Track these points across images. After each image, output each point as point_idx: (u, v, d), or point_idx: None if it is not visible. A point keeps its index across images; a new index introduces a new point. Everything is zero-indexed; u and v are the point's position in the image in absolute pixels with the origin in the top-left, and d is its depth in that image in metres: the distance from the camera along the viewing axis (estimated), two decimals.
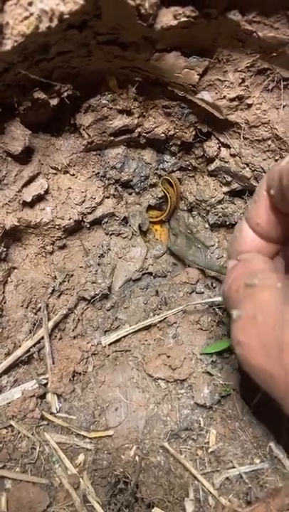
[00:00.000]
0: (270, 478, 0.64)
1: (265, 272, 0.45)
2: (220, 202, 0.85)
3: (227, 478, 0.66)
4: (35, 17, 0.46)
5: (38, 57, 0.55)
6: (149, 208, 0.92)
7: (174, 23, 0.52)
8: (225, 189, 0.84)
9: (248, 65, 0.61)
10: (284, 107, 0.66)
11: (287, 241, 0.53)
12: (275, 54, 0.58)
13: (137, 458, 0.69)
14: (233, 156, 0.77)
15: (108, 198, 0.81)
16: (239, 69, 0.62)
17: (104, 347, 0.78)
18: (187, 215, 0.95)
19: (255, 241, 0.51)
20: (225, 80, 0.64)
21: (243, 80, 0.63)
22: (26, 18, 0.46)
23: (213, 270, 0.83)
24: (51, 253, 0.80)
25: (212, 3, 0.52)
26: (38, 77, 0.56)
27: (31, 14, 0.45)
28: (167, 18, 0.52)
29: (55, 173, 0.76)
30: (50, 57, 0.56)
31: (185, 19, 0.52)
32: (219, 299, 0.78)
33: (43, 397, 0.74)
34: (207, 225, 0.92)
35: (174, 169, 0.87)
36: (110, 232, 0.85)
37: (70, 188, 0.76)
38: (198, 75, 0.62)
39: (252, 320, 0.38)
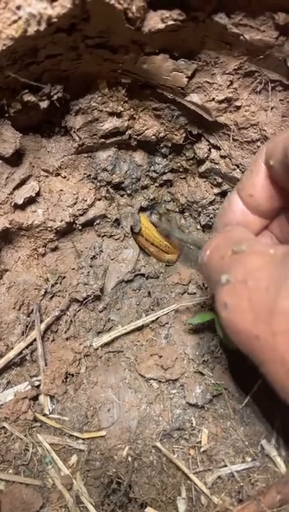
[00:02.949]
0: (261, 477, 0.64)
1: (251, 240, 0.45)
2: (211, 203, 0.86)
3: (219, 477, 0.66)
4: (23, 21, 0.46)
5: (28, 61, 0.56)
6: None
7: (162, 26, 0.53)
8: (216, 190, 0.85)
9: (236, 67, 0.62)
10: (272, 108, 0.66)
11: (276, 216, 0.52)
12: (262, 56, 0.59)
13: (129, 458, 0.69)
14: (223, 157, 0.78)
15: (100, 200, 0.82)
16: (227, 71, 0.63)
17: (96, 349, 0.79)
18: (179, 216, 0.95)
19: (243, 214, 0.51)
20: (213, 83, 0.64)
21: (232, 82, 0.64)
22: (15, 21, 0.46)
23: (200, 246, 0.84)
24: (43, 255, 0.81)
25: (199, 6, 0.52)
26: (27, 80, 0.56)
27: (20, 18, 0.46)
28: (155, 21, 0.52)
29: (47, 176, 0.76)
30: (39, 61, 0.57)
31: (172, 22, 0.52)
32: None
33: (35, 398, 0.74)
34: (199, 226, 0.92)
35: (166, 171, 0.88)
36: (102, 234, 0.85)
37: (61, 190, 0.76)
38: (186, 77, 0.63)
39: (242, 284, 0.38)
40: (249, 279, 0.37)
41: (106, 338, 0.79)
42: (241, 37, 0.56)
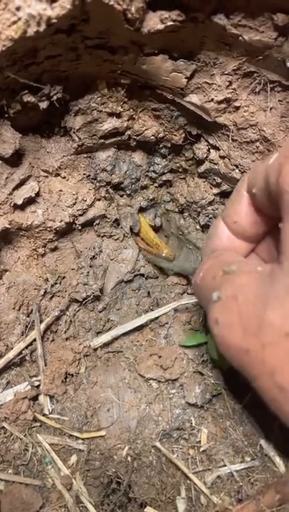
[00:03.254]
0: (260, 476, 0.64)
1: (241, 262, 0.47)
2: (210, 203, 0.86)
3: (218, 477, 0.66)
4: (23, 22, 0.46)
5: (27, 61, 0.56)
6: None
7: (161, 27, 0.53)
8: (215, 190, 0.85)
9: (235, 68, 0.62)
10: (271, 109, 0.67)
11: (261, 240, 0.54)
12: (261, 57, 0.59)
13: (129, 458, 0.69)
14: (222, 157, 0.78)
15: (99, 200, 0.82)
16: (226, 72, 0.63)
17: (96, 349, 0.79)
18: (178, 216, 0.95)
19: (230, 239, 0.53)
20: (212, 83, 0.65)
21: (231, 83, 0.64)
22: (14, 22, 0.46)
23: (189, 274, 0.85)
24: (43, 255, 0.81)
25: (198, 7, 0.52)
26: (27, 81, 0.57)
27: (19, 19, 0.46)
28: (154, 22, 0.52)
29: (46, 176, 0.76)
30: (39, 61, 0.57)
31: (172, 23, 0.53)
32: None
33: (35, 398, 0.74)
34: (198, 226, 0.92)
35: (165, 171, 0.88)
36: (102, 234, 0.85)
37: (61, 190, 0.76)
38: (185, 78, 0.63)
39: (232, 300, 0.39)
40: (238, 294, 0.39)
41: (104, 338, 0.79)
42: (240, 38, 0.56)
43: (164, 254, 0.91)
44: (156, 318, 0.80)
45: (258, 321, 0.36)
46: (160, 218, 0.95)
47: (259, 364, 0.36)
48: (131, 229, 0.88)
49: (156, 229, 0.96)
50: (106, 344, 0.80)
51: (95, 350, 0.79)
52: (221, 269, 0.44)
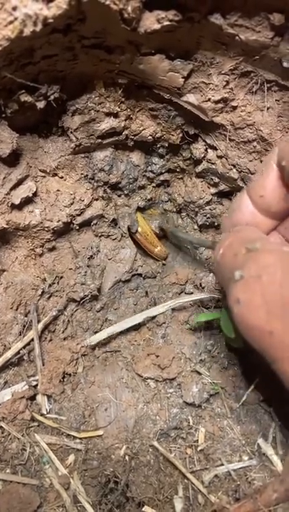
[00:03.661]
0: (258, 475, 0.65)
1: (264, 239, 0.45)
2: (208, 203, 0.86)
3: (216, 476, 0.66)
4: (19, 21, 0.46)
5: (24, 61, 0.56)
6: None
7: (158, 26, 0.53)
8: (213, 190, 0.85)
9: (232, 67, 0.62)
10: (268, 108, 0.67)
11: (285, 218, 0.52)
12: (257, 57, 0.59)
13: (126, 457, 0.69)
14: (219, 157, 0.78)
15: (97, 200, 0.82)
16: (223, 72, 0.63)
17: (94, 348, 0.79)
18: (176, 216, 0.96)
19: (253, 214, 0.51)
20: (209, 83, 0.65)
21: (228, 83, 0.64)
22: (11, 22, 0.47)
23: (205, 246, 0.83)
24: (41, 255, 0.81)
25: (195, 7, 0.53)
26: (24, 81, 0.57)
27: (16, 19, 0.46)
28: (150, 21, 0.53)
29: (44, 176, 0.76)
30: (35, 61, 0.57)
31: (168, 23, 0.53)
32: (207, 296, 0.79)
33: (33, 398, 0.74)
34: (196, 226, 0.93)
35: (163, 171, 0.88)
36: (99, 234, 0.85)
37: (58, 190, 0.76)
38: (182, 77, 0.63)
39: (256, 279, 0.38)
40: (263, 274, 0.38)
41: (101, 335, 0.79)
42: (237, 37, 0.56)
43: (155, 250, 0.92)
44: (154, 317, 0.80)
45: (283, 303, 0.35)
46: (163, 228, 0.96)
47: (283, 347, 0.35)
48: (129, 229, 0.88)
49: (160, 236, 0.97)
50: (103, 343, 0.80)
51: (93, 349, 0.79)
52: (243, 246, 0.42)
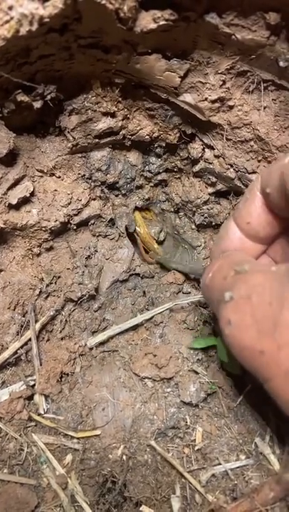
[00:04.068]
0: (255, 474, 0.65)
1: (253, 261, 0.46)
2: (205, 203, 0.86)
3: (213, 475, 0.66)
4: (15, 21, 0.46)
5: (20, 61, 0.56)
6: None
7: (154, 26, 0.53)
8: (210, 190, 0.85)
9: (228, 67, 0.62)
10: (265, 108, 0.67)
11: (273, 242, 0.53)
12: (254, 56, 0.59)
13: (124, 457, 0.69)
14: (217, 157, 0.78)
15: (94, 199, 0.82)
16: (220, 71, 0.63)
17: (91, 348, 0.79)
18: (174, 216, 0.96)
19: (241, 241, 0.52)
20: (206, 82, 0.65)
21: (224, 82, 0.64)
22: (7, 22, 0.47)
23: (197, 275, 0.84)
24: (38, 255, 0.81)
25: (190, 6, 0.53)
26: (20, 80, 0.57)
27: (12, 18, 0.46)
28: (147, 21, 0.53)
29: (41, 176, 0.76)
30: (32, 61, 0.57)
31: (164, 22, 0.53)
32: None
33: (30, 398, 0.74)
34: (194, 226, 0.93)
35: (160, 171, 0.88)
36: (97, 234, 0.85)
37: (56, 190, 0.77)
38: (179, 77, 0.63)
39: (246, 300, 0.38)
40: (252, 294, 0.38)
41: (100, 338, 0.79)
42: (233, 37, 0.56)
43: (147, 255, 0.92)
44: (152, 318, 0.80)
45: (274, 321, 0.35)
46: (164, 234, 0.96)
47: (274, 366, 0.35)
48: (126, 228, 0.88)
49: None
50: (101, 343, 0.80)
51: (91, 349, 0.79)
52: (232, 269, 0.43)
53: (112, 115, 0.72)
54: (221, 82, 0.64)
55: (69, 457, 0.71)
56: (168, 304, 0.80)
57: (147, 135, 0.77)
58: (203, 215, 0.88)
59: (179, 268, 0.87)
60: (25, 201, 0.73)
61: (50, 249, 0.81)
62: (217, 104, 0.68)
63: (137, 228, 0.91)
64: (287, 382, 0.35)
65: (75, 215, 0.79)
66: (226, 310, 0.39)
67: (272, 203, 0.47)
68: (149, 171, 0.87)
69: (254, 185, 0.49)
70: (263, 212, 0.49)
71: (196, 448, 0.69)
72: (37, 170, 0.75)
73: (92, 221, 0.83)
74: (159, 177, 0.89)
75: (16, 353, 0.75)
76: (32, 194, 0.73)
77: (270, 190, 0.45)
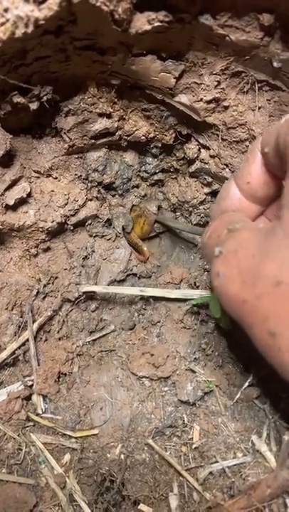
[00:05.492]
0: (252, 472, 0.65)
1: (246, 220, 0.49)
2: (202, 203, 0.87)
3: (211, 473, 0.67)
4: (10, 23, 0.47)
5: (16, 63, 0.56)
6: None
7: (148, 27, 0.53)
8: (206, 190, 0.86)
9: (223, 68, 0.63)
10: (259, 108, 0.67)
11: (271, 203, 0.55)
12: (248, 57, 0.60)
13: (122, 456, 0.70)
14: (212, 157, 0.79)
15: (91, 200, 0.82)
16: (214, 72, 0.63)
17: (89, 348, 0.79)
18: (172, 215, 0.96)
19: (240, 201, 0.54)
20: (201, 83, 0.65)
21: (219, 83, 0.65)
22: (2, 24, 0.47)
23: (198, 234, 0.84)
24: (35, 256, 0.81)
25: (185, 8, 0.53)
26: (16, 82, 0.57)
27: (7, 20, 0.47)
28: (141, 23, 0.53)
29: (38, 177, 0.76)
30: (28, 63, 0.58)
31: (159, 24, 0.53)
32: (202, 294, 0.79)
33: (28, 398, 0.75)
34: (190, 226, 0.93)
35: (156, 171, 0.88)
36: (94, 234, 0.86)
37: (52, 191, 0.77)
38: (174, 78, 0.64)
39: (233, 254, 0.41)
40: (239, 248, 0.41)
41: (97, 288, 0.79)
42: (227, 38, 0.57)
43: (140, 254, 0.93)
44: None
45: (255, 273, 0.38)
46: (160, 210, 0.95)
47: (254, 313, 0.38)
48: (123, 228, 0.88)
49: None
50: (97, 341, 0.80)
51: (88, 349, 0.79)
52: (226, 227, 0.46)
53: (108, 116, 0.72)
54: (216, 83, 0.65)
55: (67, 457, 0.71)
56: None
57: (143, 136, 0.78)
58: (199, 215, 0.89)
59: (179, 227, 0.87)
60: (22, 202, 0.74)
61: (47, 249, 0.81)
62: (212, 105, 0.68)
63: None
64: (263, 327, 0.37)
65: (72, 215, 0.80)
66: (216, 263, 0.43)
67: (269, 163, 0.48)
68: (146, 171, 0.88)
69: (255, 145, 0.50)
70: (262, 173, 0.50)
71: (194, 446, 0.69)
72: (34, 171, 0.75)
73: (89, 221, 0.83)
74: (156, 177, 0.90)
75: (13, 353, 0.75)
76: (29, 195, 0.73)
77: (268, 149, 0.47)
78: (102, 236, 0.86)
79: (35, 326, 0.77)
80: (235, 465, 0.66)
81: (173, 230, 0.95)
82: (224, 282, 0.41)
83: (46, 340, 0.80)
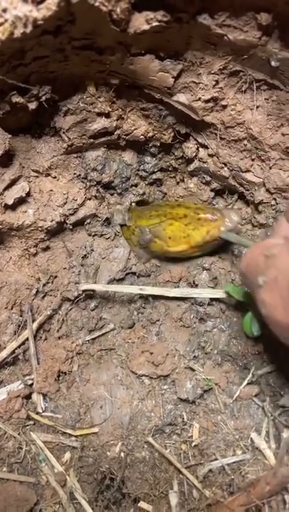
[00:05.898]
0: (251, 469, 0.65)
1: (283, 244, 0.50)
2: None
3: (210, 471, 0.67)
4: (9, 23, 0.47)
5: (15, 63, 0.56)
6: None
7: (147, 27, 0.54)
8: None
9: (221, 67, 0.63)
10: (257, 107, 0.68)
11: None
12: (246, 56, 0.60)
13: (122, 454, 0.70)
14: (211, 156, 0.79)
15: (90, 199, 0.82)
16: (212, 71, 0.64)
17: (89, 347, 0.79)
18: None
19: (286, 230, 0.55)
20: (199, 82, 0.65)
21: (217, 82, 0.65)
22: (1, 24, 0.47)
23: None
24: (35, 255, 0.81)
25: (183, 7, 0.53)
26: (15, 82, 0.57)
27: (6, 20, 0.47)
28: (140, 22, 0.53)
29: (37, 176, 0.76)
30: (26, 62, 0.58)
31: (157, 23, 0.53)
32: (201, 293, 0.79)
33: (28, 397, 0.75)
34: None
35: (155, 170, 0.88)
36: (93, 233, 0.86)
37: (51, 190, 0.77)
38: (172, 77, 0.64)
39: (274, 282, 0.44)
40: (278, 276, 0.44)
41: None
42: (225, 37, 0.57)
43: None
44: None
45: None
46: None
47: None
48: (122, 226, 0.88)
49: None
50: (98, 341, 0.80)
51: (88, 347, 0.80)
52: (262, 254, 0.48)
53: (107, 115, 0.72)
54: (214, 82, 0.65)
55: (67, 455, 0.71)
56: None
57: (142, 135, 0.78)
58: None
59: (243, 243, 0.74)
60: (21, 201, 0.74)
61: (46, 249, 0.82)
62: (210, 104, 0.68)
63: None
64: None
65: (71, 214, 0.80)
66: (261, 292, 0.46)
67: None
68: (144, 170, 0.88)
69: None
70: None
71: (193, 444, 0.70)
72: (33, 170, 0.75)
73: (88, 221, 0.84)
74: (154, 176, 0.90)
75: (13, 352, 0.76)
76: (28, 194, 0.73)
77: None
78: (101, 235, 0.87)
79: (35, 325, 0.78)
80: (234, 462, 0.67)
81: None
82: (270, 310, 0.44)
83: (46, 339, 0.80)
